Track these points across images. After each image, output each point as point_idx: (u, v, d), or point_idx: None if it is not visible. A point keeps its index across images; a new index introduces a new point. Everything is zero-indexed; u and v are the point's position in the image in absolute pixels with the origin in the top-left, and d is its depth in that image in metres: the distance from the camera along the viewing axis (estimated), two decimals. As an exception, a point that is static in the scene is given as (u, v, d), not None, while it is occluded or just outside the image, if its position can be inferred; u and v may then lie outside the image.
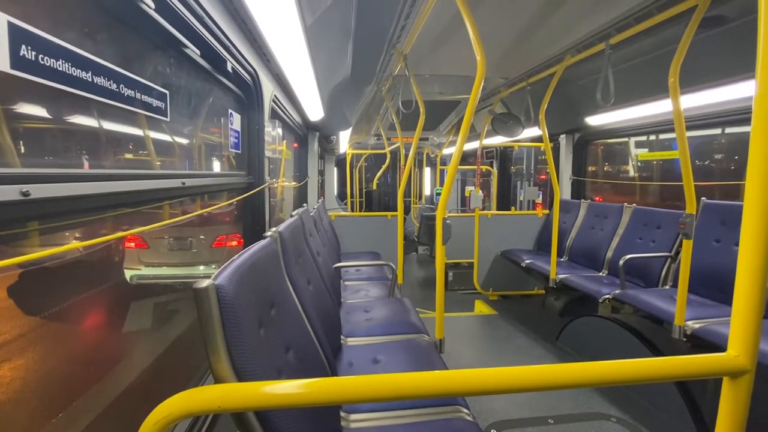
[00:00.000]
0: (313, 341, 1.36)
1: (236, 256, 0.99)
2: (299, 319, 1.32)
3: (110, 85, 0.90)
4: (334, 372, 1.44)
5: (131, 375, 1.53)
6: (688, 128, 2.10)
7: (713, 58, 2.50)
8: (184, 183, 1.30)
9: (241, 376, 0.77)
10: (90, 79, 0.83)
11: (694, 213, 2.13)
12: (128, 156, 1.37)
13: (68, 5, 0.89)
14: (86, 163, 1.08)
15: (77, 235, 1.18)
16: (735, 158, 4.32)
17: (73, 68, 0.78)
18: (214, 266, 2.74)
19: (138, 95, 1.03)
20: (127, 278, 2.15)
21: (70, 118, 0.95)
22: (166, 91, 1.17)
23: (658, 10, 2.03)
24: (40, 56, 0.70)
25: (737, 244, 2.57)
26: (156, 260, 2.42)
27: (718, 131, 3.87)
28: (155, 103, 1.11)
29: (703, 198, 2.76)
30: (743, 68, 2.37)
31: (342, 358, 1.83)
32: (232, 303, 0.80)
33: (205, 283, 0.76)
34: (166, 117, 1.19)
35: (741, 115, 2.68)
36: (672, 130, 2.13)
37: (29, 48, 0.67)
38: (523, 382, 0.66)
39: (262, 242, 1.20)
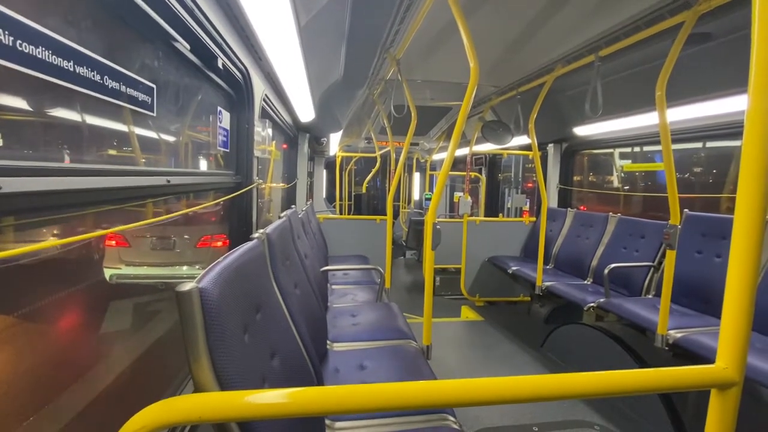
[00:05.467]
0: (299, 347, 1.32)
1: (222, 257, 0.96)
2: (285, 324, 1.29)
3: (94, 76, 0.86)
4: (319, 378, 1.41)
5: (107, 379, 1.47)
6: (673, 141, 2.14)
7: (699, 74, 2.57)
8: (169, 181, 1.25)
9: (223, 384, 0.74)
10: (72, 69, 0.79)
11: (678, 224, 2.17)
12: (111, 151, 1.32)
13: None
14: (67, 158, 1.03)
15: (55, 232, 1.13)
16: (713, 171, 4.46)
17: (54, 56, 0.74)
18: (198, 267, 2.67)
19: (123, 88, 0.99)
20: (107, 277, 2.08)
21: (49, 109, 0.90)
22: (153, 85, 1.13)
23: (646, 25, 2.08)
24: (18, 42, 0.66)
25: (719, 256, 2.63)
26: (137, 259, 2.34)
27: (698, 145, 3.98)
28: (141, 97, 1.07)
29: (685, 210, 2.82)
30: (728, 84, 2.44)
31: (328, 363, 1.80)
32: (216, 307, 0.76)
33: (188, 285, 0.72)
34: (153, 112, 1.14)
35: (725, 129, 2.76)
36: (656, 143, 2.18)
37: (6, 33, 0.63)
38: (509, 394, 0.64)
39: (249, 244, 1.16)
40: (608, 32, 2.25)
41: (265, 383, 0.94)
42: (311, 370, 1.34)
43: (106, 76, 0.90)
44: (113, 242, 2.25)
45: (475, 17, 2.16)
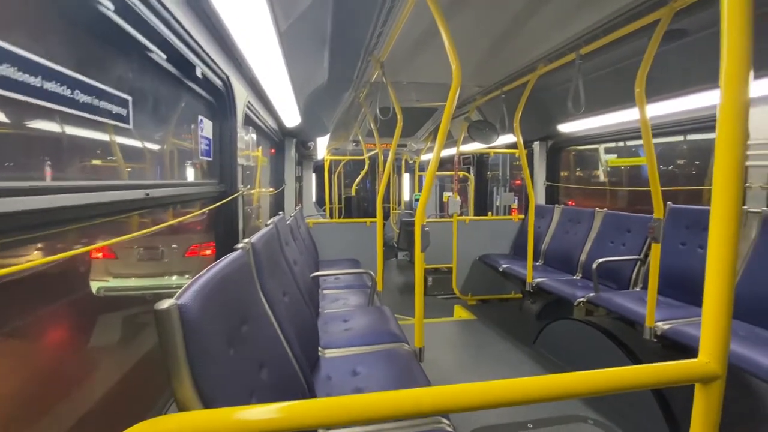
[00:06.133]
0: (289, 356, 1.31)
1: (203, 271, 0.94)
2: (273, 334, 1.27)
3: (63, 90, 0.84)
4: (311, 387, 1.40)
5: (94, 396, 1.43)
6: (654, 135, 2.18)
7: (677, 69, 2.62)
8: (147, 194, 1.23)
9: (208, 402, 0.73)
10: (40, 85, 0.77)
11: (662, 218, 2.21)
12: (96, 161, 1.29)
13: (13, 5, 0.82)
14: (48, 171, 1.01)
15: (35, 251, 1.10)
16: (696, 163, 4.55)
17: (20, 72, 0.72)
18: (187, 276, 2.63)
19: (96, 101, 0.96)
20: (94, 291, 2.03)
21: (14, 125, 0.88)
22: (129, 97, 1.10)
23: (624, 22, 2.11)
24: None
25: (701, 247, 2.68)
26: (125, 271, 2.30)
27: (680, 138, 4.06)
28: (116, 109, 1.05)
29: (669, 203, 2.87)
30: (704, 78, 2.49)
31: (320, 371, 1.78)
32: (197, 323, 0.75)
33: (166, 303, 0.71)
34: (129, 124, 1.12)
35: (703, 123, 2.81)
36: (639, 137, 2.21)
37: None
38: (500, 398, 0.65)
39: (233, 255, 1.15)
40: (588, 30, 2.28)
41: (252, 397, 0.93)
42: (302, 379, 1.32)
43: (77, 90, 0.88)
44: (100, 254, 2.20)
45: (456, 19, 2.17)
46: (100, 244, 1.48)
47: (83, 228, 1.09)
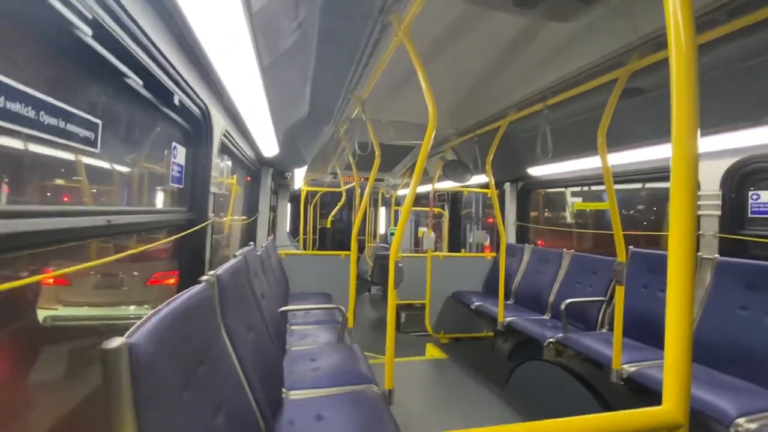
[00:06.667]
0: (249, 400, 1.23)
1: (161, 305, 0.89)
2: (234, 375, 1.19)
3: (27, 111, 0.80)
4: (270, 434, 1.30)
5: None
6: (616, 182, 2.31)
7: (635, 123, 2.84)
8: (109, 221, 1.17)
9: None
10: (1, 104, 0.73)
11: (624, 261, 2.30)
12: (50, 184, 1.23)
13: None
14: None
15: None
16: (654, 209, 4.84)
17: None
18: (146, 306, 2.47)
19: (63, 124, 0.93)
20: (40, 320, 1.86)
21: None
22: (99, 121, 1.07)
23: (585, 79, 2.30)
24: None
25: (662, 290, 2.79)
26: (78, 299, 2.12)
27: (639, 185, 4.33)
28: (83, 133, 1.01)
29: (630, 247, 3.00)
30: (659, 132, 2.71)
31: (282, 415, 1.67)
32: (148, 365, 0.69)
33: (116, 342, 0.65)
34: (96, 148, 1.08)
35: (660, 173, 3.03)
36: (603, 183, 2.34)
37: None
38: None
39: (195, 288, 1.09)
40: (553, 84, 2.46)
41: (204, 447, 0.85)
42: (261, 425, 1.24)
43: (42, 112, 0.85)
44: (51, 280, 2.04)
45: (434, 66, 2.29)
46: (53, 273, 1.38)
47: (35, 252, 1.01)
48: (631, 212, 5.03)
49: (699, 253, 2.52)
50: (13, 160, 1.04)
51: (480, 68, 2.41)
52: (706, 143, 2.42)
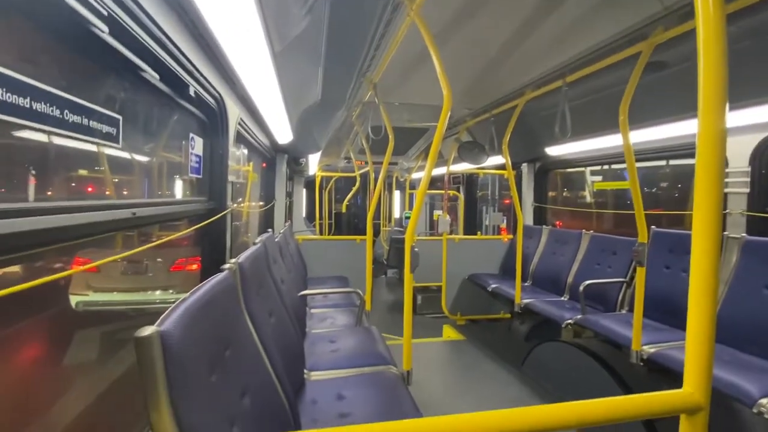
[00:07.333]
0: (273, 381, 1.28)
1: (187, 294, 0.93)
2: (258, 358, 1.24)
3: (53, 111, 0.83)
4: (294, 413, 1.36)
5: (65, 418, 1.37)
6: (637, 160, 2.24)
7: (658, 99, 2.72)
8: (135, 213, 1.21)
9: None
10: (28, 106, 0.76)
11: (646, 242, 2.25)
12: (75, 174, 1.27)
13: (7, 29, 0.83)
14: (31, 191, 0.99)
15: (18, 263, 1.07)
16: (679, 186, 4.68)
17: (8, 93, 0.71)
18: (171, 291, 2.58)
19: (86, 121, 0.96)
20: (73, 305, 1.97)
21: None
22: (119, 117, 1.10)
23: (607, 54, 2.20)
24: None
25: (684, 271, 2.73)
26: (107, 285, 2.23)
27: (663, 162, 4.19)
28: (105, 129, 1.04)
29: (652, 227, 2.93)
30: (684, 108, 2.59)
31: (305, 395, 1.74)
32: (178, 350, 0.73)
33: (148, 330, 0.69)
34: (118, 143, 1.11)
35: (685, 150, 2.91)
36: (624, 162, 2.27)
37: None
38: (488, 429, 0.64)
39: (218, 276, 1.13)
40: (573, 60, 2.37)
41: (233, 427, 0.90)
42: (285, 405, 1.29)
43: (66, 111, 0.88)
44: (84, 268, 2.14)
45: (447, 44, 2.24)
46: (85, 266, 1.45)
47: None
48: (654, 190, 4.88)
49: (725, 232, 2.44)
50: (43, 155, 1.08)
51: (495, 45, 2.34)
52: (735, 118, 2.31)
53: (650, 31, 1.91)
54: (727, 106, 0.69)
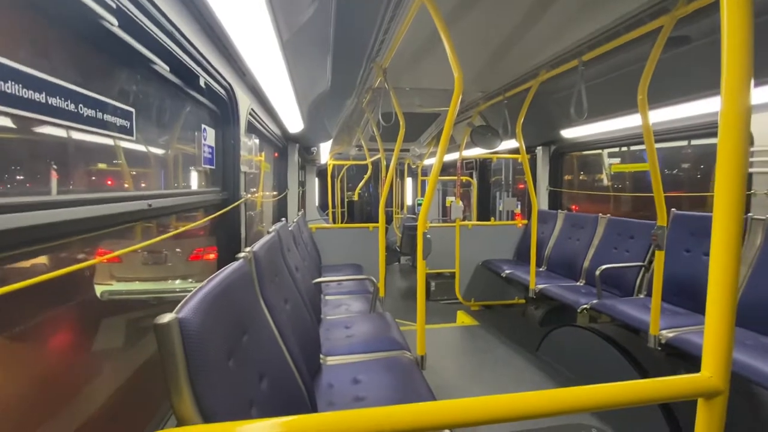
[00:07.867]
0: (289, 365, 1.31)
1: (204, 282, 0.95)
2: (274, 343, 1.27)
3: (68, 105, 0.85)
4: (311, 397, 1.40)
5: (96, 402, 1.44)
6: (657, 141, 2.17)
7: (680, 76, 2.61)
8: (150, 204, 1.24)
9: (208, 417, 0.73)
10: (43, 101, 0.78)
11: (665, 225, 2.19)
12: (94, 168, 1.30)
13: (20, 25, 0.84)
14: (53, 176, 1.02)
15: (45, 254, 1.11)
16: (701, 167, 4.52)
17: (24, 89, 0.73)
18: (190, 280, 2.65)
19: (100, 115, 0.97)
20: (98, 294, 2.05)
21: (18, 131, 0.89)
22: (132, 110, 1.12)
23: (626, 29, 2.11)
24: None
25: (706, 254, 2.67)
26: (129, 275, 2.31)
27: (684, 143, 4.04)
28: (120, 122, 1.06)
29: (672, 209, 2.85)
30: (707, 85, 2.48)
31: (321, 379, 1.78)
32: (197, 336, 0.75)
33: (167, 317, 0.71)
34: (132, 136, 1.13)
35: (707, 129, 2.80)
36: (642, 143, 2.20)
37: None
38: (505, 412, 0.65)
39: (234, 265, 1.15)
40: (590, 37, 2.28)
41: (252, 409, 0.93)
42: (302, 389, 1.32)
43: (81, 105, 0.89)
44: (105, 258, 2.22)
45: (458, 26, 2.18)
46: (107, 256, 1.49)
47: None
48: (674, 171, 4.73)
49: (749, 214, 2.36)
50: (63, 150, 1.11)
51: (508, 25, 2.27)
52: (760, 94, 2.20)
53: (672, 4, 1.82)
54: (752, 81, 0.66)
